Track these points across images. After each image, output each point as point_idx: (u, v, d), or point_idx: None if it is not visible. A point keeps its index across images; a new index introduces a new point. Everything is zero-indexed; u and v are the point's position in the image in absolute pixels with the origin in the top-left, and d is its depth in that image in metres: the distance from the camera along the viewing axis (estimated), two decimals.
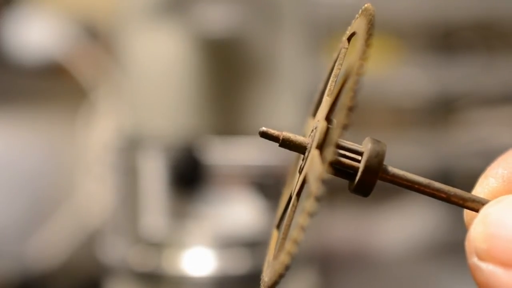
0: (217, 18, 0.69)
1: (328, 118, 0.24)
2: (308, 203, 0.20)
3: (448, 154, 1.11)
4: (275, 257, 0.24)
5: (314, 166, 0.21)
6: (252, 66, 0.70)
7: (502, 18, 1.14)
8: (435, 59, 1.12)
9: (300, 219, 0.20)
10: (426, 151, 1.11)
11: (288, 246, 0.21)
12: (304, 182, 0.23)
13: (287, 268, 0.21)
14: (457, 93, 1.14)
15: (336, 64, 0.26)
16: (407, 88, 1.12)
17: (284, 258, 0.21)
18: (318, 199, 0.20)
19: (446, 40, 1.16)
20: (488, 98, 1.15)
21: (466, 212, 0.25)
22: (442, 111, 1.17)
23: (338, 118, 0.21)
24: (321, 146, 0.23)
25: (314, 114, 0.28)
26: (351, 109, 0.21)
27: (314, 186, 0.20)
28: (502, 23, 1.15)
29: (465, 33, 1.15)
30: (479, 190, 0.25)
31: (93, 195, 0.93)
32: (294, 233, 0.21)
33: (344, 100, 0.21)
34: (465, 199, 0.24)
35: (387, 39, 1.12)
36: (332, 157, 0.21)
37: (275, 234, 0.28)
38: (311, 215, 0.20)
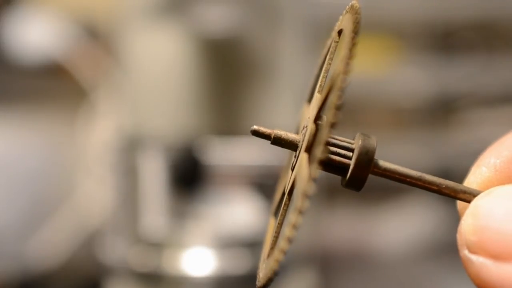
0: (217, 18, 0.69)
1: (318, 118, 0.24)
2: (293, 216, 0.21)
3: (448, 154, 1.11)
4: (268, 256, 0.25)
5: (301, 178, 0.22)
6: (252, 66, 0.70)
7: (502, 18, 1.14)
8: (435, 59, 1.12)
9: (287, 230, 0.21)
10: (426, 151, 1.11)
11: (276, 254, 0.21)
12: (294, 183, 0.24)
13: (276, 273, 0.22)
14: (457, 93, 1.14)
15: (327, 58, 0.27)
16: (407, 88, 1.12)
17: (272, 264, 0.22)
18: (303, 213, 0.20)
19: (446, 40, 1.16)
20: (488, 98, 1.15)
21: (459, 202, 0.25)
22: (442, 111, 1.17)
23: (327, 118, 0.21)
24: (309, 150, 0.23)
25: (309, 100, 0.28)
26: (338, 108, 0.21)
27: (299, 201, 0.21)
28: (502, 23, 1.15)
29: (465, 33, 1.15)
30: (472, 179, 0.25)
31: (93, 195, 0.93)
32: (281, 243, 0.21)
33: (332, 99, 0.21)
34: (456, 191, 0.24)
35: (387, 39, 1.12)
36: (317, 173, 0.21)
37: (271, 222, 0.28)
38: (296, 227, 0.21)
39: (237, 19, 0.69)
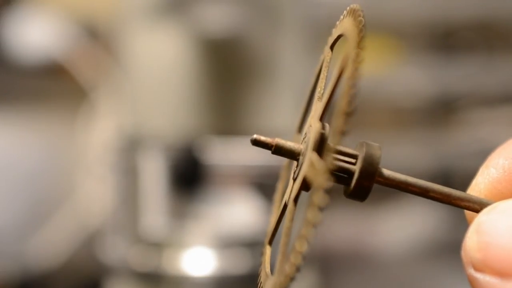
0: (217, 18, 0.69)
1: (321, 123, 0.23)
2: (310, 214, 0.20)
3: (448, 154, 1.11)
4: (280, 267, 0.24)
5: (314, 175, 0.21)
6: (252, 66, 0.70)
7: (502, 18, 1.14)
8: (435, 59, 1.12)
9: (303, 230, 0.20)
10: (426, 151, 1.11)
11: (293, 257, 0.20)
12: (300, 189, 0.23)
13: (292, 280, 0.21)
14: (457, 93, 1.14)
15: (324, 68, 0.25)
16: (407, 88, 1.12)
17: (289, 270, 0.20)
18: (321, 209, 0.20)
19: (446, 40, 1.16)
20: (488, 98, 1.15)
21: (467, 211, 0.25)
22: (442, 111, 1.17)
23: (336, 125, 0.20)
24: (316, 152, 0.22)
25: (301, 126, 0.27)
26: (349, 114, 0.20)
27: (316, 197, 0.20)
28: (502, 23, 1.15)
29: (465, 33, 1.15)
30: (480, 180, 0.25)
31: (93, 195, 0.93)
32: (297, 244, 0.20)
33: (341, 105, 0.20)
34: (465, 201, 0.24)
35: (387, 39, 1.12)
36: (331, 166, 0.20)
37: (267, 250, 0.27)
38: (315, 225, 0.20)
39: (237, 19, 0.69)
